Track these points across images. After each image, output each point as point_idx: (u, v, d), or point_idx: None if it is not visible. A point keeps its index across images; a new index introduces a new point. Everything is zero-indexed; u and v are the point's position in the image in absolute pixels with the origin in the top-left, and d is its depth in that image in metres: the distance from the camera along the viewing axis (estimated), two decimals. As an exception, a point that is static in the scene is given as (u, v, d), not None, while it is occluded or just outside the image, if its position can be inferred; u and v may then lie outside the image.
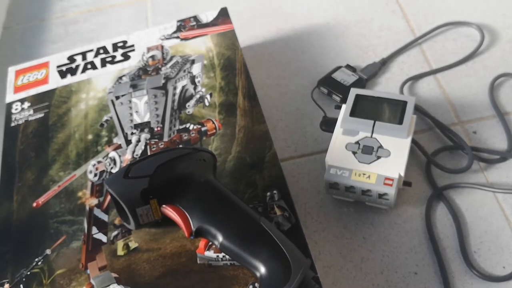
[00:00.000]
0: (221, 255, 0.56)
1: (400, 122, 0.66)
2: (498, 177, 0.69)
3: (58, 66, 0.79)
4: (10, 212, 0.64)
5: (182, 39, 0.79)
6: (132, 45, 0.80)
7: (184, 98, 0.72)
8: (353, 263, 0.64)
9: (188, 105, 0.71)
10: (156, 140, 0.68)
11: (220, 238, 0.53)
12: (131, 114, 0.71)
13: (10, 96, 0.76)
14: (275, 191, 0.61)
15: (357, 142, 0.66)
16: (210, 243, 0.57)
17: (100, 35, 0.98)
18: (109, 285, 0.56)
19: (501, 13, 0.88)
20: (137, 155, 0.67)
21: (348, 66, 0.83)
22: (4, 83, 0.81)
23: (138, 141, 0.68)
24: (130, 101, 0.72)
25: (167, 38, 0.80)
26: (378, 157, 0.64)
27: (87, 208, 0.63)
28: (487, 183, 0.69)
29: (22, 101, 0.75)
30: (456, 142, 0.72)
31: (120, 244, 0.59)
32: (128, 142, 0.68)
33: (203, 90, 0.72)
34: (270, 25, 0.93)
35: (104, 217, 0.62)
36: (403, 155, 0.64)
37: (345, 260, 0.64)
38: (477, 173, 0.70)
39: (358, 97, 0.70)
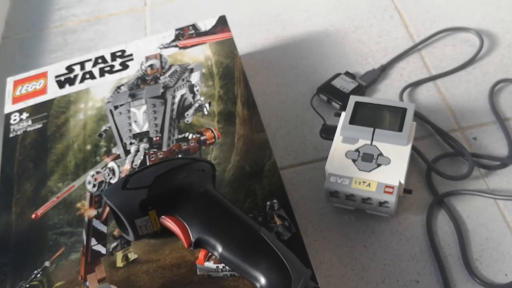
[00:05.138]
0: (221, 266, 0.56)
1: (400, 129, 0.66)
2: (499, 183, 0.69)
3: (56, 76, 0.79)
4: (9, 224, 0.64)
5: (180, 48, 0.79)
6: (131, 54, 0.79)
7: (183, 107, 0.72)
8: (354, 271, 0.64)
9: (187, 114, 0.71)
10: (155, 150, 0.68)
11: (219, 248, 0.52)
12: (130, 124, 0.71)
13: (8, 107, 0.76)
14: (275, 201, 0.61)
15: (357, 150, 0.66)
16: (210, 253, 0.57)
17: (98, 44, 0.98)
18: (108, 297, 0.56)
19: (499, 18, 0.88)
20: (136, 165, 0.67)
21: (348, 73, 0.82)
22: (2, 93, 0.81)
23: (137, 151, 0.68)
24: (128, 111, 0.72)
25: (165, 47, 0.79)
26: (378, 165, 0.64)
27: (86, 219, 0.63)
28: (488, 189, 0.69)
29: (20, 111, 0.75)
30: (456, 148, 0.72)
31: (119, 255, 0.59)
32: (127, 152, 0.68)
33: (202, 99, 0.72)
34: (269, 33, 0.93)
35: (103, 228, 0.62)
36: (403, 162, 0.64)
37: (346, 269, 0.64)
38: (477, 180, 0.69)
39: (357, 104, 0.69)
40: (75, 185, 0.66)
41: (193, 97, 0.73)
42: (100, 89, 0.76)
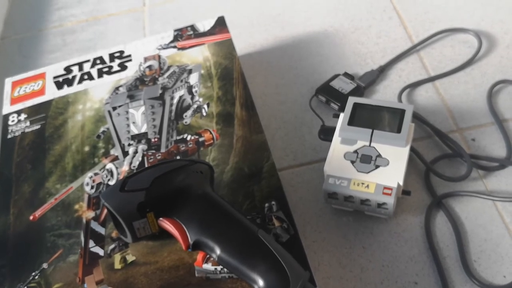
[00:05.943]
0: (219, 268, 0.56)
1: (399, 130, 0.66)
2: (498, 184, 0.69)
3: (54, 77, 0.79)
4: (7, 226, 0.64)
5: (179, 49, 0.79)
6: (129, 55, 0.79)
7: (182, 108, 0.72)
8: (353, 273, 0.64)
9: (186, 116, 0.71)
10: (154, 151, 0.68)
11: (217, 251, 0.52)
12: (128, 125, 0.71)
13: (6, 108, 0.76)
14: (273, 202, 0.61)
15: (356, 151, 0.66)
16: (208, 255, 0.56)
17: (97, 44, 0.98)
18: (106, 299, 0.56)
19: (498, 19, 0.88)
20: (134, 166, 0.67)
21: (346, 74, 0.82)
22: (1, 94, 0.81)
23: (135, 152, 0.68)
24: (127, 112, 0.72)
25: (164, 48, 0.79)
26: (377, 166, 0.64)
27: (84, 221, 0.63)
28: (486, 191, 0.69)
29: (18, 112, 0.75)
30: (455, 149, 0.72)
31: (117, 257, 0.59)
32: (125, 154, 0.68)
33: (201, 100, 0.72)
34: (268, 33, 0.93)
35: (101, 230, 0.61)
36: (401, 163, 0.64)
37: (344, 270, 0.64)
38: (476, 181, 0.69)
39: (356, 105, 0.69)
40: (73, 187, 0.66)
41: (192, 98, 0.73)
42: (99, 90, 0.76)
